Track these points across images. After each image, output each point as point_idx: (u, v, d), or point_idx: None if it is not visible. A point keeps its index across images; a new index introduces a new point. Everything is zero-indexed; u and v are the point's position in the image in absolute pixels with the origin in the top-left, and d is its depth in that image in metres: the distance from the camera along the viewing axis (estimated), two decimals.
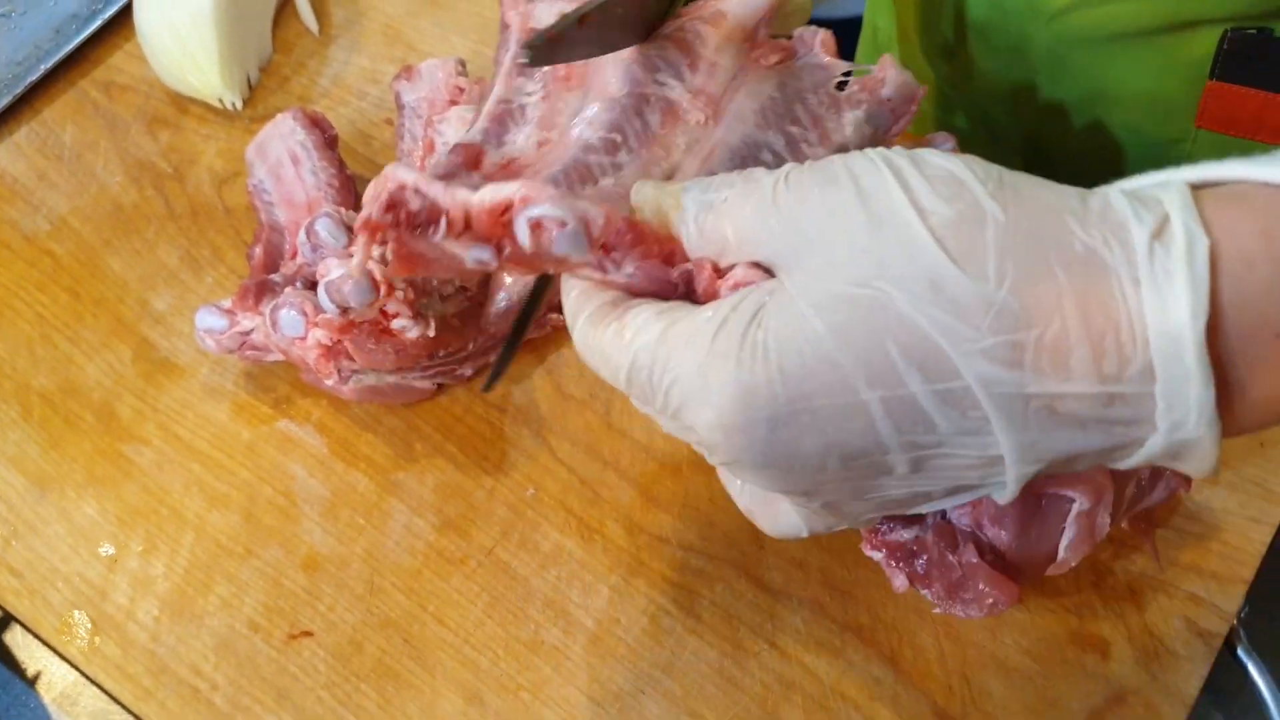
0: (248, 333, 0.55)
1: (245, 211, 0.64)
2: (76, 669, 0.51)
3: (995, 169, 0.33)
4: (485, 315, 0.56)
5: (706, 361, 0.34)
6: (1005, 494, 0.36)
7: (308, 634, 0.51)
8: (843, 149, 0.47)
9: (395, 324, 0.51)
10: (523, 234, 0.36)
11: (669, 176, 0.46)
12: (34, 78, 0.69)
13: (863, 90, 0.50)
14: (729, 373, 0.34)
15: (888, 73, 0.50)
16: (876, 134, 0.49)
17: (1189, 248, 0.30)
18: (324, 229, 0.53)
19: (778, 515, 0.41)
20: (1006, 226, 0.32)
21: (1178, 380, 0.30)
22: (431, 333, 0.52)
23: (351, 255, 0.52)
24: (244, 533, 0.54)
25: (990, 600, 0.44)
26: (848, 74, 0.50)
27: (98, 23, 0.72)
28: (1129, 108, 0.63)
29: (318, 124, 0.63)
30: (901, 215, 0.32)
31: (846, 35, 0.99)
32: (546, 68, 0.49)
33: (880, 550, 0.46)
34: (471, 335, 0.55)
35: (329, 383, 0.53)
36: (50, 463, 0.56)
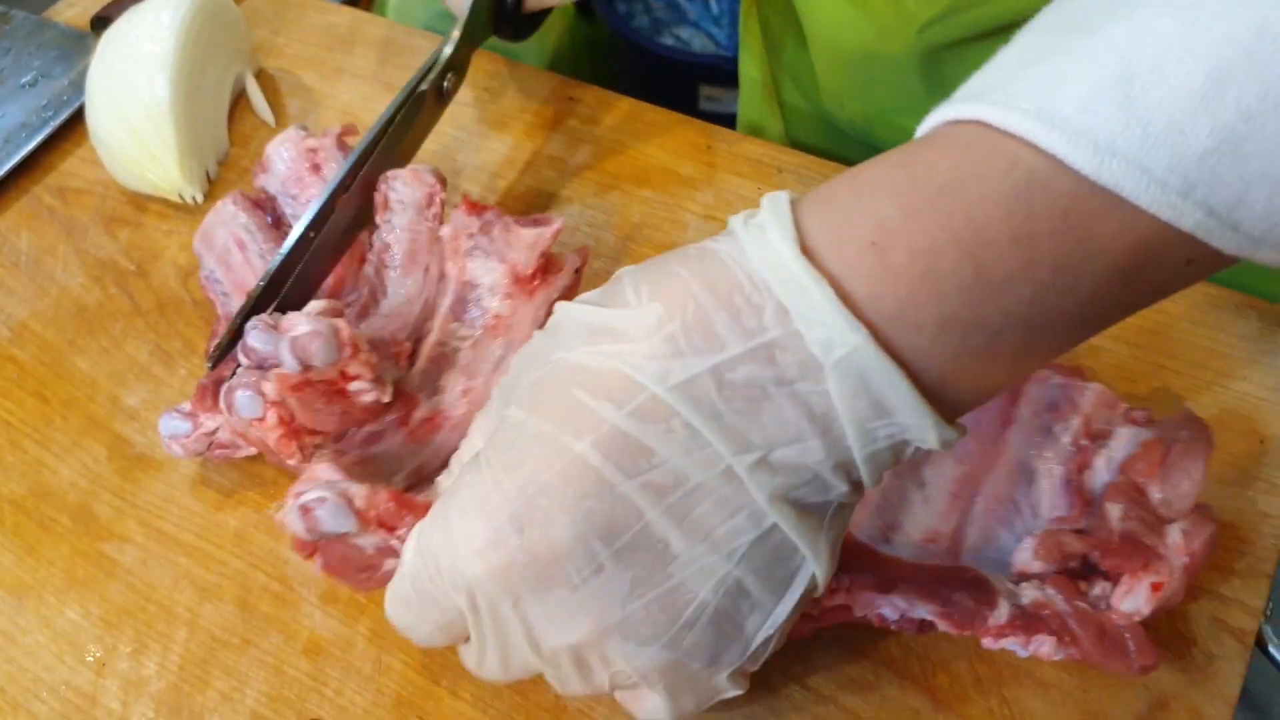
0: (213, 432, 0.53)
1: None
2: None
3: None
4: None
5: (445, 506, 0.38)
6: (818, 567, 0.37)
7: None
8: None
9: (354, 385, 0.49)
10: (295, 521, 0.42)
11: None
12: None
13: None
14: (463, 499, 0.37)
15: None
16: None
17: (772, 205, 0.35)
18: (256, 340, 0.49)
19: (643, 699, 0.40)
20: (636, 269, 0.37)
21: (797, 294, 0.34)
22: (387, 398, 0.50)
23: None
24: (240, 623, 0.51)
25: (1142, 662, 0.44)
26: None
27: (48, 130, 0.71)
28: None
29: (260, 205, 0.61)
30: (566, 312, 0.38)
31: (718, 79, 1.02)
32: (478, 318, 0.54)
33: (1001, 637, 0.44)
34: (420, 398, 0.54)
35: (291, 462, 0.51)
36: (26, 570, 0.53)
